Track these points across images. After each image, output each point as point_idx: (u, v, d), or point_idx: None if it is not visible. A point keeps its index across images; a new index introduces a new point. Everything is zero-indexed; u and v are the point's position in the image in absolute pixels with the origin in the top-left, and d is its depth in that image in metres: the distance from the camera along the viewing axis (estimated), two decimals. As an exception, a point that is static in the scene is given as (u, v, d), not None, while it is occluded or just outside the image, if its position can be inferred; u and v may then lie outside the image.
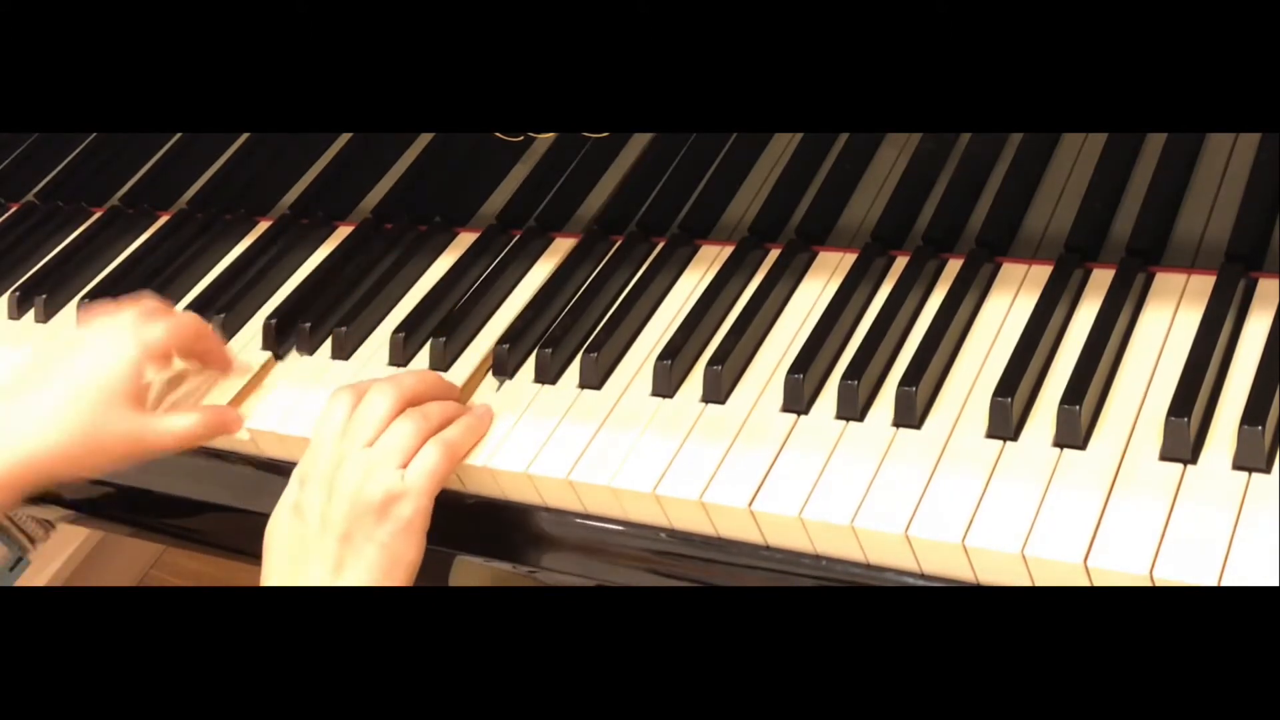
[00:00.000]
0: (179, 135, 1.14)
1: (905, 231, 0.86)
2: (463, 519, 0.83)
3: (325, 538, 0.75)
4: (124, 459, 0.84)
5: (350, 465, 0.76)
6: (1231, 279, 0.75)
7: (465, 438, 0.80)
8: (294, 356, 0.94)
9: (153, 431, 0.84)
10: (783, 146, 0.90)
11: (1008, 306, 0.80)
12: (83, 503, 1.05)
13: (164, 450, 0.85)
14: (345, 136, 1.07)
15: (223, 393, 0.91)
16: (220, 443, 0.91)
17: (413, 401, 0.80)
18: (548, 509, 0.80)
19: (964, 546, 0.66)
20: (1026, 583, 0.66)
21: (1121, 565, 0.63)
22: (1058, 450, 0.70)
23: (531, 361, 0.86)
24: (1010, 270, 0.82)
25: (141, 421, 0.83)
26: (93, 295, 1.05)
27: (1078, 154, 0.82)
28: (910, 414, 0.74)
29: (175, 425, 0.85)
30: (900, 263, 0.85)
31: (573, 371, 0.84)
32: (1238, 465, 0.66)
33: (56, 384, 0.82)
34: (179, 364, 0.91)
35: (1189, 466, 0.67)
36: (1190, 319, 0.75)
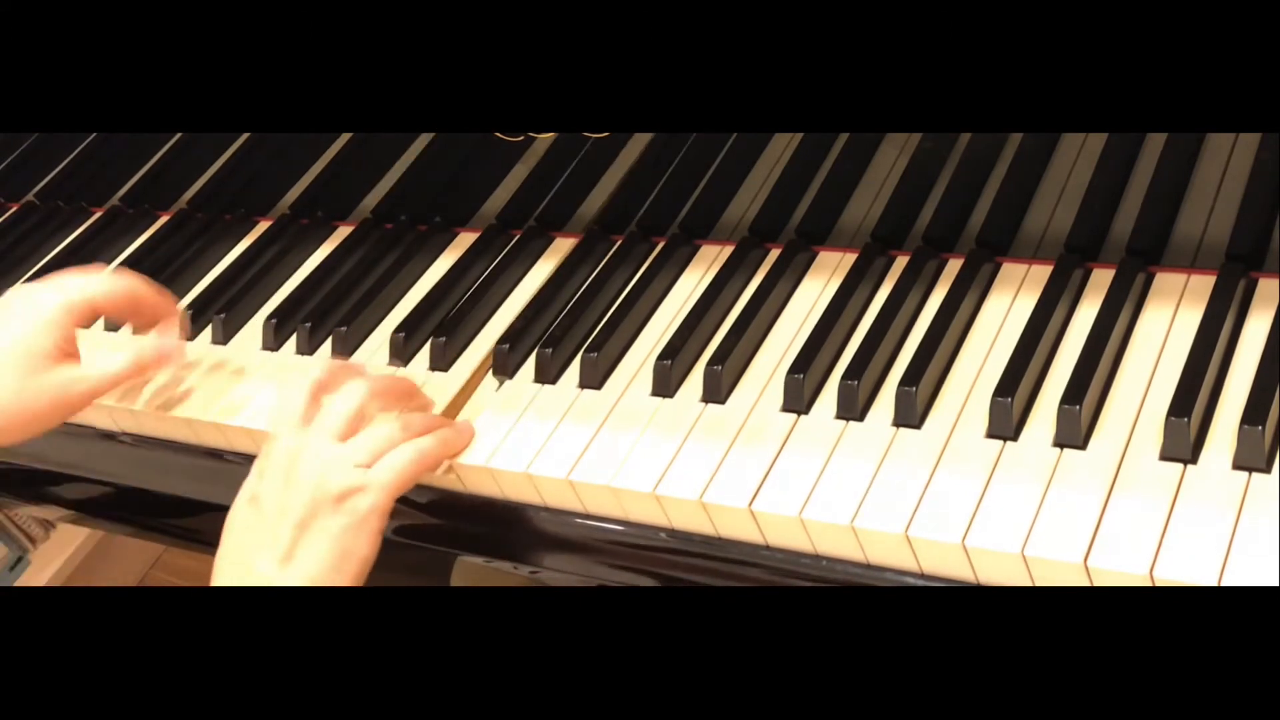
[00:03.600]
0: (179, 135, 1.14)
1: (905, 231, 0.86)
2: (463, 519, 0.83)
3: (279, 527, 0.74)
4: (55, 415, 0.83)
5: (310, 456, 0.75)
6: (1231, 279, 0.75)
7: (438, 448, 0.78)
8: (295, 357, 0.94)
9: (82, 380, 0.83)
10: (783, 146, 0.90)
11: (1008, 306, 0.80)
12: (83, 503, 1.05)
13: (96, 395, 0.84)
14: (345, 136, 1.07)
15: (212, 392, 0.91)
16: (220, 443, 0.91)
17: (382, 398, 0.79)
18: (548, 509, 0.80)
19: (964, 546, 0.66)
20: (1026, 583, 0.66)
21: (1121, 565, 0.63)
22: (1058, 450, 0.70)
23: (531, 361, 0.86)
24: (1010, 270, 0.82)
25: (64, 374, 0.82)
26: (93, 295, 1.05)
27: (1078, 154, 0.82)
28: (910, 414, 0.74)
29: (105, 368, 0.84)
30: (900, 263, 0.85)
31: (573, 371, 0.84)
32: (1238, 465, 0.66)
33: None
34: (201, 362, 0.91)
35: (1189, 466, 0.67)
36: (1190, 319, 0.75)
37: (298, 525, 0.73)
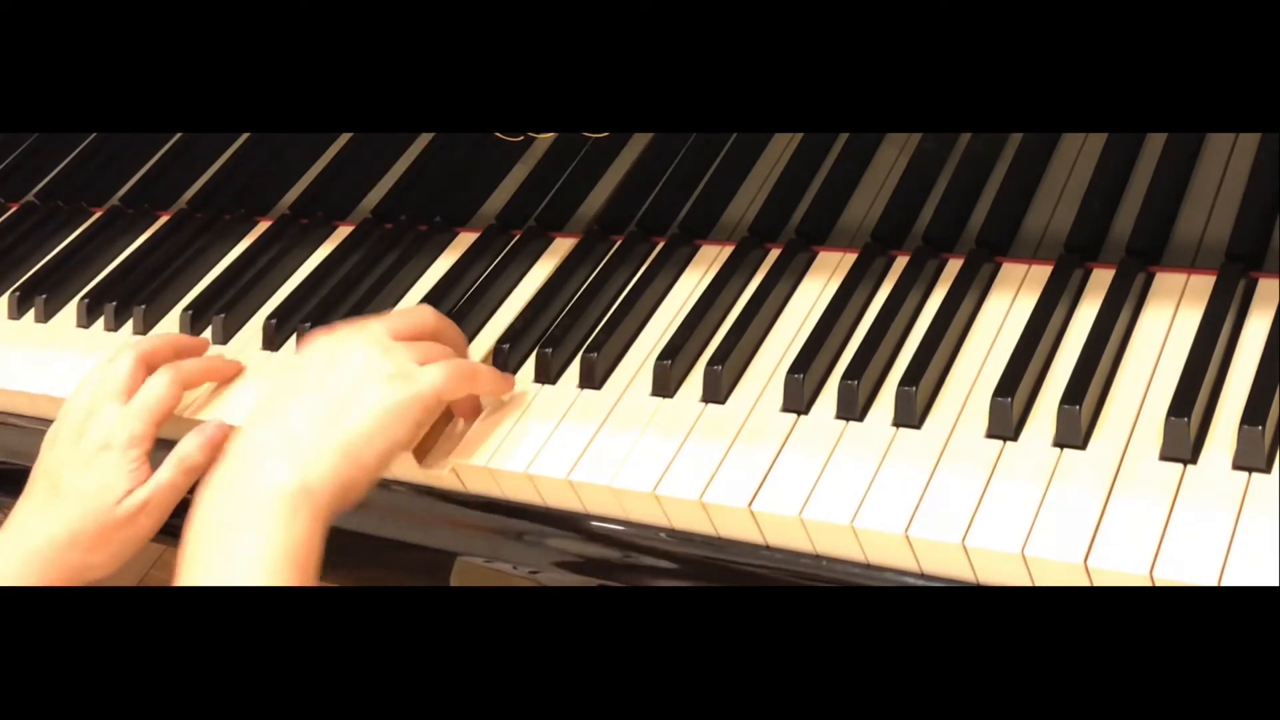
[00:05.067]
0: (179, 135, 1.14)
1: (905, 231, 0.86)
2: (463, 519, 0.83)
3: (320, 390, 0.73)
4: (131, 545, 0.83)
5: (360, 343, 0.76)
6: (1231, 279, 0.75)
7: (490, 375, 0.80)
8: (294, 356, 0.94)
9: (137, 505, 0.81)
10: (783, 146, 0.90)
11: (1008, 306, 0.80)
12: (83, 503, 1.05)
13: (157, 524, 0.83)
14: (345, 136, 1.07)
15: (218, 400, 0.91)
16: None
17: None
18: (548, 509, 0.80)
19: (964, 546, 0.66)
20: (1026, 583, 0.66)
21: (1121, 565, 0.63)
22: (1058, 450, 0.70)
23: (531, 361, 0.86)
24: (1010, 270, 0.82)
25: (126, 504, 0.82)
26: (93, 295, 1.05)
27: (1078, 154, 0.82)
28: (910, 414, 0.74)
29: (155, 480, 0.82)
30: (900, 263, 0.85)
31: (573, 371, 0.84)
32: (1238, 465, 0.66)
33: (61, 508, 0.82)
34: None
35: (1189, 466, 0.67)
36: (1190, 319, 0.75)
37: (342, 392, 0.72)
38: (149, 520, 0.82)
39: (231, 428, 0.83)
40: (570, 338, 0.86)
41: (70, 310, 1.06)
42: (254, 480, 0.70)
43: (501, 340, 0.87)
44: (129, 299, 1.03)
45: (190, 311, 0.99)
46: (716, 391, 0.79)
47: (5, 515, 0.86)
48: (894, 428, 0.74)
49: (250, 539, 0.68)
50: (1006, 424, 0.71)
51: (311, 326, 0.94)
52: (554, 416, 0.81)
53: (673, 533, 0.76)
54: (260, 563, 0.67)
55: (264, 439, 0.72)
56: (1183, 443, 0.67)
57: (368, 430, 0.72)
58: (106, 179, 1.18)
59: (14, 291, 1.08)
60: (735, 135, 0.91)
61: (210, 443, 0.83)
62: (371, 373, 0.74)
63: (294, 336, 0.95)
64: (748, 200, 0.91)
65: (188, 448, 0.82)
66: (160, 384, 0.83)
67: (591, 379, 0.83)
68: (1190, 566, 0.62)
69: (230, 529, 0.69)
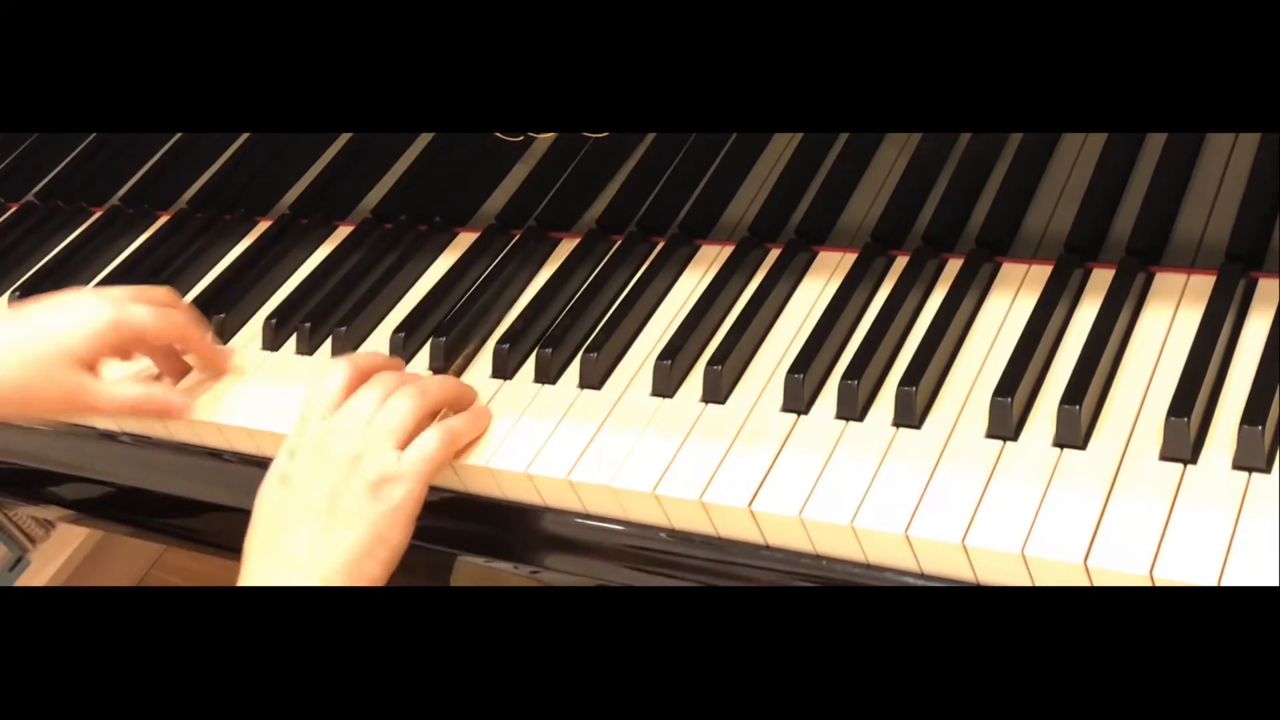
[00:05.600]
0: (179, 135, 1.14)
1: (905, 231, 0.86)
2: (463, 519, 0.83)
3: (312, 508, 0.74)
4: (57, 411, 0.88)
5: (344, 438, 0.76)
6: (1231, 279, 0.75)
7: (466, 429, 0.80)
8: (295, 357, 0.94)
9: (90, 392, 0.85)
10: (783, 146, 0.90)
11: (1008, 306, 0.80)
12: (83, 503, 1.05)
13: (97, 412, 0.87)
14: (345, 136, 1.07)
15: (219, 394, 0.91)
16: (220, 443, 0.91)
17: (422, 395, 0.79)
18: (548, 509, 0.80)
19: (964, 546, 0.66)
20: (1026, 583, 0.66)
21: (1121, 565, 0.63)
22: (1058, 450, 0.70)
23: (531, 361, 0.86)
24: (1010, 270, 0.82)
25: (81, 381, 0.85)
26: (93, 295, 1.05)
27: (1078, 154, 0.82)
28: (910, 414, 0.74)
29: (115, 391, 0.86)
30: (900, 263, 0.85)
31: (573, 371, 0.84)
32: (1238, 465, 0.66)
33: (21, 325, 0.85)
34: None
35: (1189, 466, 0.67)
36: (1190, 319, 0.75)
37: (328, 509, 0.74)
38: (99, 401, 0.86)
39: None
40: (570, 338, 0.86)
41: (70, 310, 1.06)
42: (280, 562, 0.73)
43: (501, 340, 0.87)
44: (129, 299, 1.03)
45: (190, 311, 0.99)
46: (716, 391, 0.79)
47: (3, 515, 0.87)
48: (894, 428, 0.74)
49: None
50: (1006, 424, 0.71)
51: (312, 327, 0.94)
52: (554, 416, 0.81)
53: (673, 533, 0.76)
54: None
55: (273, 568, 0.74)
56: (1183, 443, 0.67)
57: (366, 546, 0.74)
58: (106, 179, 1.18)
59: (14, 291, 1.08)
60: (735, 135, 0.91)
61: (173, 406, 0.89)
62: (356, 485, 0.74)
63: (294, 336, 0.95)
64: (748, 200, 0.91)
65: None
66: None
67: (591, 379, 0.83)
68: (1190, 566, 0.62)
69: None
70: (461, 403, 0.82)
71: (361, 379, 0.80)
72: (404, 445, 0.76)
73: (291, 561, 0.74)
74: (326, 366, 0.82)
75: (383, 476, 0.75)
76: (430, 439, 0.77)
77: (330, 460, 0.75)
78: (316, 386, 0.80)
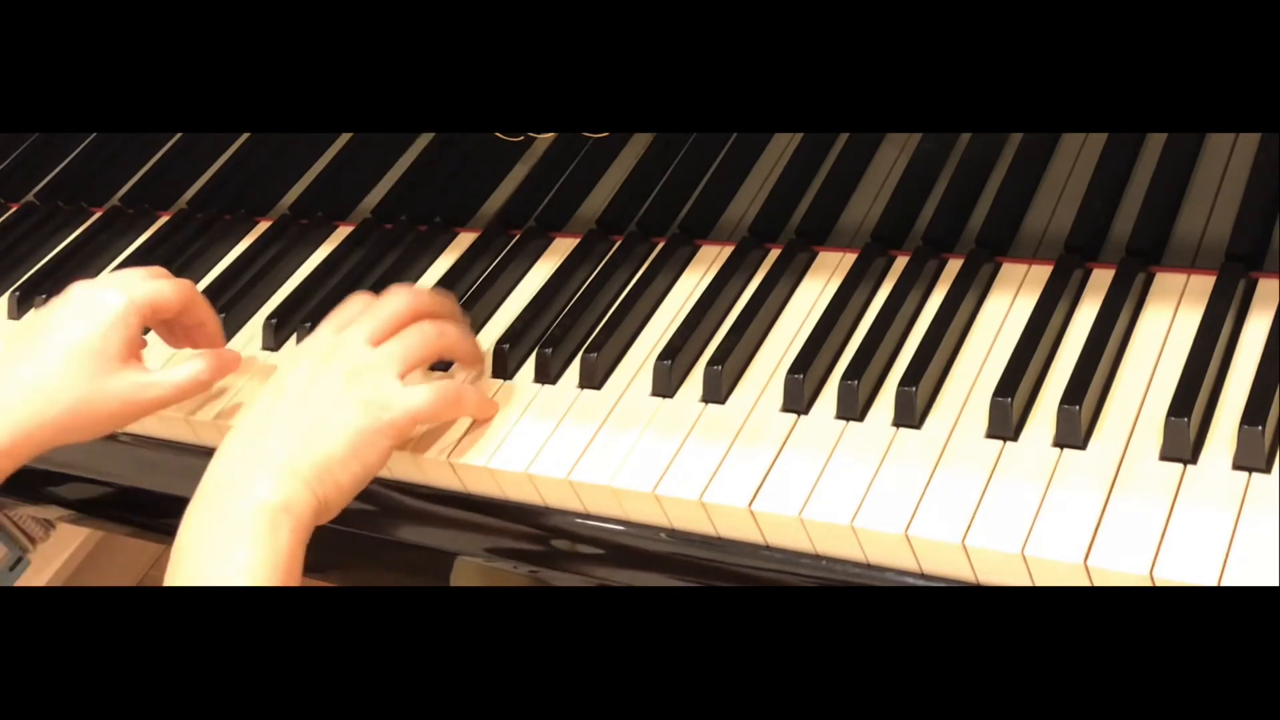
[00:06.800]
0: (179, 135, 1.14)
1: (905, 231, 0.86)
2: (463, 519, 0.83)
3: (301, 408, 0.74)
4: (123, 418, 0.83)
5: (345, 354, 0.76)
6: (1231, 279, 0.75)
7: (476, 401, 0.80)
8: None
9: (150, 387, 0.82)
10: (783, 146, 0.90)
11: (1008, 306, 0.80)
12: (83, 503, 1.05)
13: (164, 404, 0.84)
14: (345, 136, 1.07)
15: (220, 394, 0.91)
16: (220, 443, 0.91)
17: (427, 315, 0.80)
18: (548, 509, 0.80)
19: (964, 546, 0.66)
20: (1026, 583, 0.66)
21: (1121, 565, 0.63)
22: (1058, 450, 0.70)
23: (531, 361, 0.86)
24: (1010, 270, 0.82)
25: (135, 379, 0.82)
26: (93, 295, 1.05)
27: (1078, 154, 0.82)
28: (910, 414, 0.74)
29: (174, 377, 0.83)
30: (900, 263, 0.85)
31: (573, 371, 0.84)
32: (1238, 465, 0.66)
33: (44, 352, 0.80)
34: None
35: (1189, 466, 0.67)
36: (1190, 319, 0.75)
37: (319, 411, 0.74)
38: (157, 392, 0.83)
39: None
40: (570, 338, 0.87)
41: (70, 310, 1.06)
42: (239, 496, 0.72)
43: (501, 340, 0.87)
44: (129, 299, 1.03)
45: (190, 311, 0.99)
46: (716, 391, 0.79)
47: (3, 515, 0.87)
48: (894, 428, 0.74)
49: (238, 551, 0.69)
50: (1006, 424, 0.71)
51: (312, 327, 0.94)
52: (554, 416, 0.81)
53: (673, 533, 0.76)
54: (249, 573, 0.69)
55: (245, 456, 0.74)
56: (1183, 443, 0.67)
57: (340, 454, 0.74)
58: (106, 179, 1.18)
59: (14, 291, 1.08)
60: (735, 135, 0.91)
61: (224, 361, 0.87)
62: (348, 396, 0.75)
63: (294, 336, 0.95)
64: (748, 200, 0.91)
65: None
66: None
67: (591, 379, 0.83)
68: (1190, 566, 0.62)
69: (218, 541, 0.70)
70: (472, 359, 0.84)
71: (414, 318, 0.80)
72: (404, 375, 0.77)
73: (266, 452, 0.73)
74: (387, 292, 0.81)
75: (377, 399, 0.75)
76: (437, 387, 0.77)
77: (330, 369, 0.76)
78: (370, 307, 0.80)
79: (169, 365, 0.89)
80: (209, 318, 0.90)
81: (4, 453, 0.78)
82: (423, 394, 0.76)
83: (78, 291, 0.84)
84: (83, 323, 0.81)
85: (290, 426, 0.74)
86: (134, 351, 0.83)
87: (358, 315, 0.80)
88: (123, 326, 0.82)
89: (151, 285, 0.85)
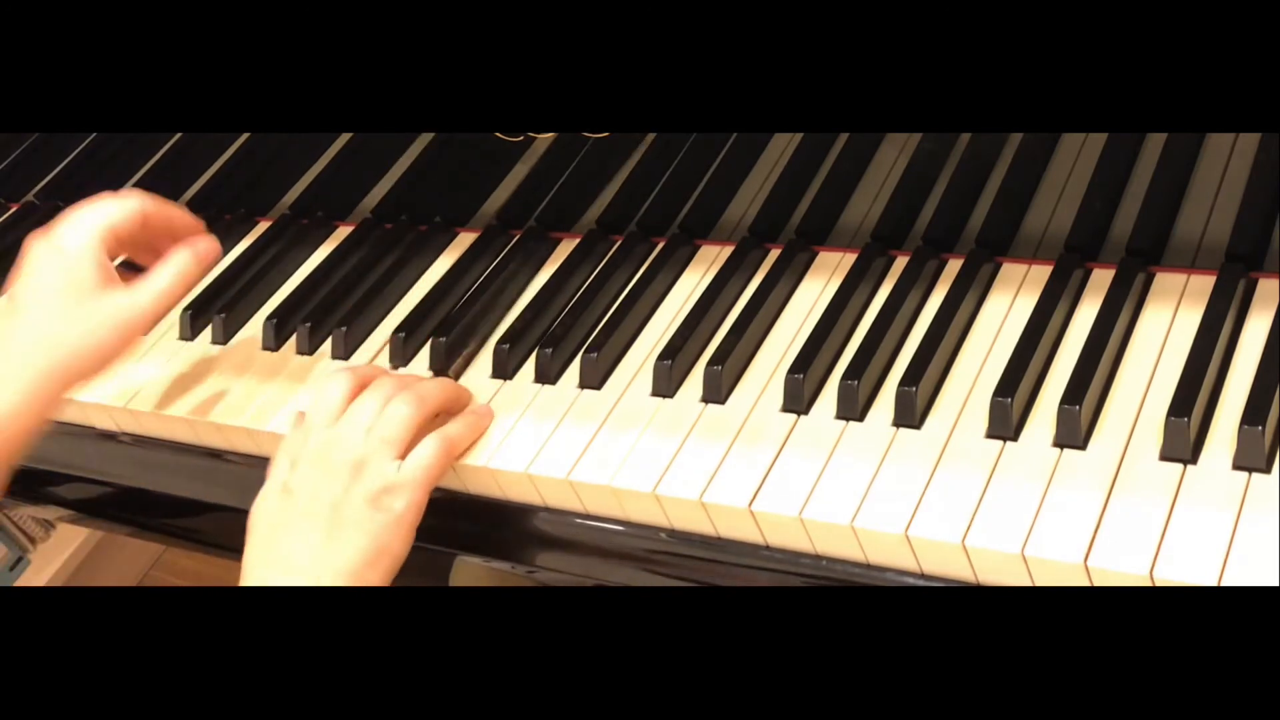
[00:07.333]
0: (179, 135, 1.14)
1: (905, 231, 0.86)
2: (463, 519, 0.83)
3: (314, 518, 0.74)
4: (123, 341, 0.82)
5: (344, 448, 0.76)
6: (1231, 279, 0.75)
7: (464, 434, 0.80)
8: (295, 357, 0.94)
9: (136, 302, 0.82)
10: (783, 146, 0.90)
11: (1008, 306, 0.80)
12: (83, 503, 1.05)
13: (158, 311, 0.83)
14: (345, 136, 1.07)
15: (218, 391, 0.91)
16: (220, 443, 0.91)
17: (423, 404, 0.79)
18: (548, 509, 0.80)
19: (964, 546, 0.66)
20: (1026, 583, 0.66)
21: (1121, 565, 0.63)
22: (1058, 450, 0.70)
23: (531, 362, 0.86)
24: (1010, 270, 0.82)
25: (120, 299, 0.82)
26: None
27: (1078, 154, 0.82)
28: (910, 414, 0.74)
29: (159, 283, 0.83)
30: (900, 263, 0.85)
31: (573, 371, 0.84)
32: (1238, 465, 0.66)
33: (30, 311, 0.81)
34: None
35: (1189, 466, 0.67)
36: (1190, 319, 0.75)
37: (331, 520, 0.74)
38: (144, 305, 0.83)
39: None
40: (570, 338, 0.86)
41: (70, 310, 1.05)
42: (283, 572, 0.73)
43: (501, 340, 0.87)
44: (129, 299, 1.03)
45: (190, 311, 0.99)
46: (716, 391, 0.79)
47: (3, 515, 0.86)
48: (894, 428, 0.74)
49: None
50: (1006, 424, 0.71)
51: (312, 327, 0.94)
52: (554, 416, 0.81)
53: (673, 533, 0.76)
54: None
55: (274, 577, 0.74)
56: (1183, 443, 0.67)
57: (368, 557, 0.74)
58: (106, 179, 1.18)
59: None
60: (735, 135, 0.91)
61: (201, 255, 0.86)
62: (357, 495, 0.75)
63: (294, 337, 0.95)
64: (748, 200, 0.91)
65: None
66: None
67: (591, 379, 0.83)
68: (1190, 566, 0.62)
69: None
70: (459, 404, 0.83)
71: (362, 389, 0.80)
72: (403, 454, 0.76)
73: (293, 570, 0.74)
74: (327, 375, 0.81)
75: (383, 487, 0.75)
76: (428, 449, 0.77)
77: (331, 470, 0.76)
78: (318, 395, 0.80)
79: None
80: (175, 215, 0.89)
81: (25, 409, 0.79)
82: (422, 463, 0.76)
83: (37, 246, 0.84)
84: (52, 272, 0.82)
85: (309, 540, 0.74)
86: (110, 276, 0.83)
87: (338, 401, 0.79)
88: (88, 256, 0.82)
89: (102, 211, 0.84)
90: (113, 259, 0.85)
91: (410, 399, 0.78)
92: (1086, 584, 0.64)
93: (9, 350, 0.80)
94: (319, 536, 0.74)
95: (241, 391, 0.91)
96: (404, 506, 0.75)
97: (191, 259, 0.86)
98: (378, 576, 0.74)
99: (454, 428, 0.79)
